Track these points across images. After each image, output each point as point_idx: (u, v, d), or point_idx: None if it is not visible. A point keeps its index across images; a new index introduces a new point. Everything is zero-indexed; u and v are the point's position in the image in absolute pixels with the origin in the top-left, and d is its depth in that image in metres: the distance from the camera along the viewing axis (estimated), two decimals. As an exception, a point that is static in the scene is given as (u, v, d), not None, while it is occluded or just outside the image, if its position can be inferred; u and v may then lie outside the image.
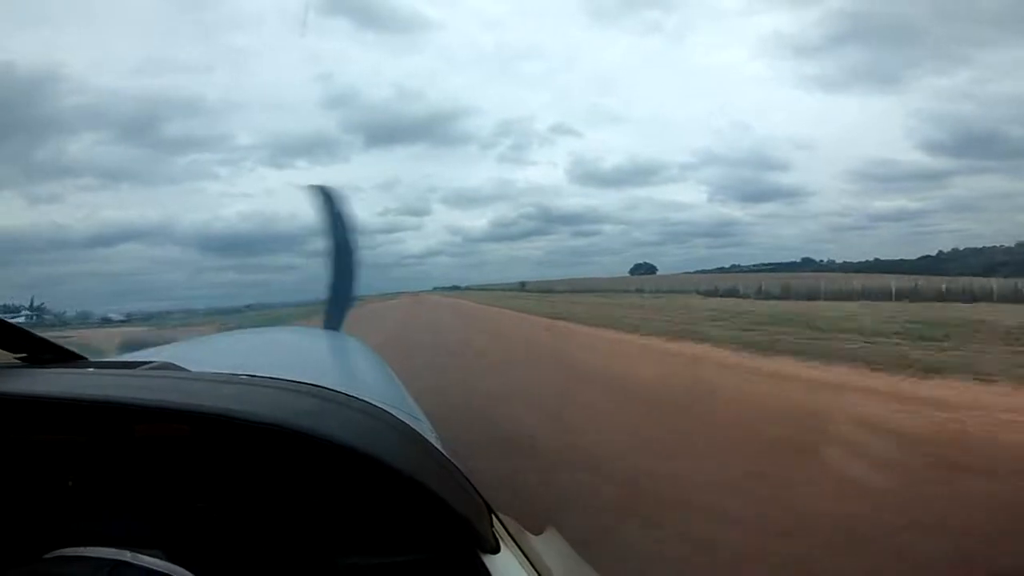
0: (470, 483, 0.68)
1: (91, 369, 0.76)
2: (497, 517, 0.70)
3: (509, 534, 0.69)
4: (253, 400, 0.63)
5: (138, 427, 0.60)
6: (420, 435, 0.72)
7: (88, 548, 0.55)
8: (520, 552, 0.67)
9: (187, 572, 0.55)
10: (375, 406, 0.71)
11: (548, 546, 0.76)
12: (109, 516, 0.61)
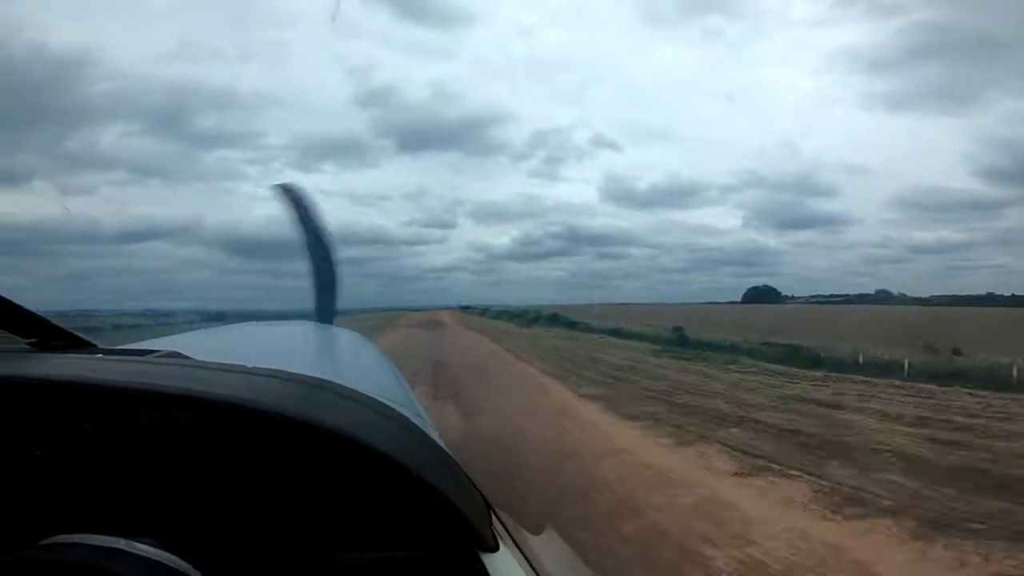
0: (470, 481, 0.69)
1: (99, 355, 0.79)
2: (496, 515, 0.71)
3: (508, 533, 0.70)
4: (259, 389, 0.65)
5: (142, 414, 0.62)
6: (422, 431, 0.74)
7: (84, 535, 0.57)
8: (519, 551, 0.68)
9: (183, 561, 0.57)
10: (379, 401, 0.73)
11: (547, 546, 0.77)
12: (108, 503, 0.63)
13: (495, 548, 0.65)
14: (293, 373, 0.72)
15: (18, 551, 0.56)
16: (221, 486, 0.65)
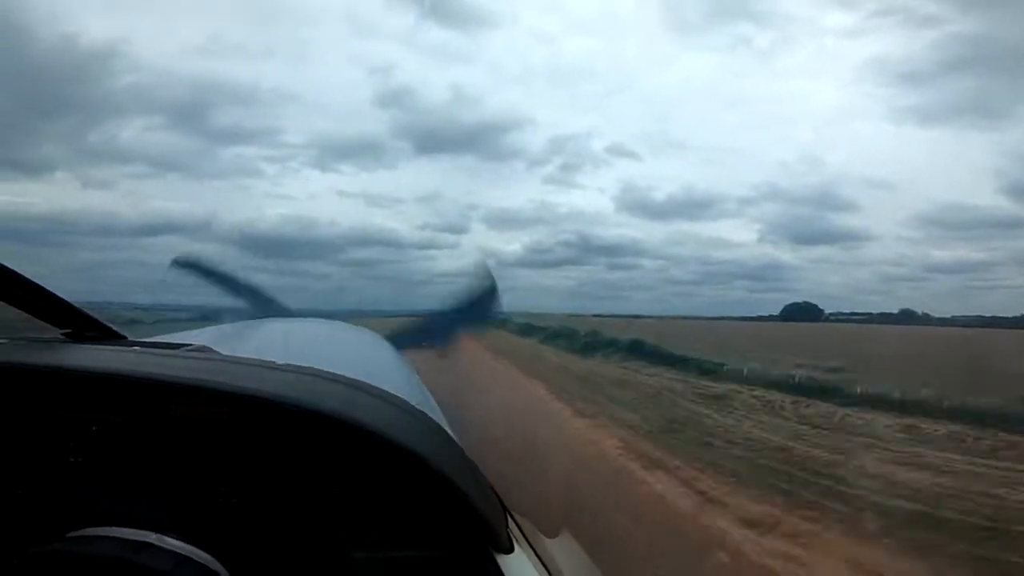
0: (487, 482, 1.01)
1: (133, 348, 1.15)
2: (512, 517, 1.03)
3: (523, 535, 1.02)
4: (291, 386, 0.95)
5: (174, 407, 0.92)
6: (444, 432, 1.06)
7: (112, 528, 0.83)
8: (533, 553, 0.99)
9: (209, 556, 0.84)
10: (404, 400, 1.06)
11: (561, 548, 1.08)
12: (135, 497, 0.91)
13: (510, 549, 0.96)
14: (322, 370, 1.03)
15: (47, 543, 0.80)
16: (246, 481, 0.93)
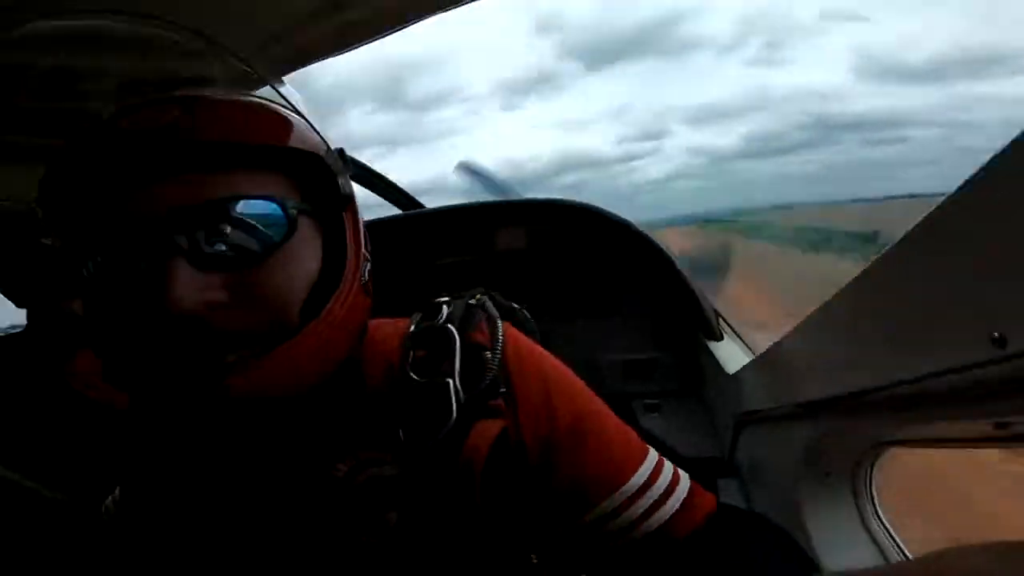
0: (699, 288, 1.48)
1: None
2: (720, 315, 1.50)
3: (732, 328, 1.49)
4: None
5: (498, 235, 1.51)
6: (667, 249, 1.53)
7: None
8: (739, 339, 1.45)
9: None
10: (624, 221, 1.55)
11: (762, 340, 1.55)
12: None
13: (720, 338, 1.44)
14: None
15: None
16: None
